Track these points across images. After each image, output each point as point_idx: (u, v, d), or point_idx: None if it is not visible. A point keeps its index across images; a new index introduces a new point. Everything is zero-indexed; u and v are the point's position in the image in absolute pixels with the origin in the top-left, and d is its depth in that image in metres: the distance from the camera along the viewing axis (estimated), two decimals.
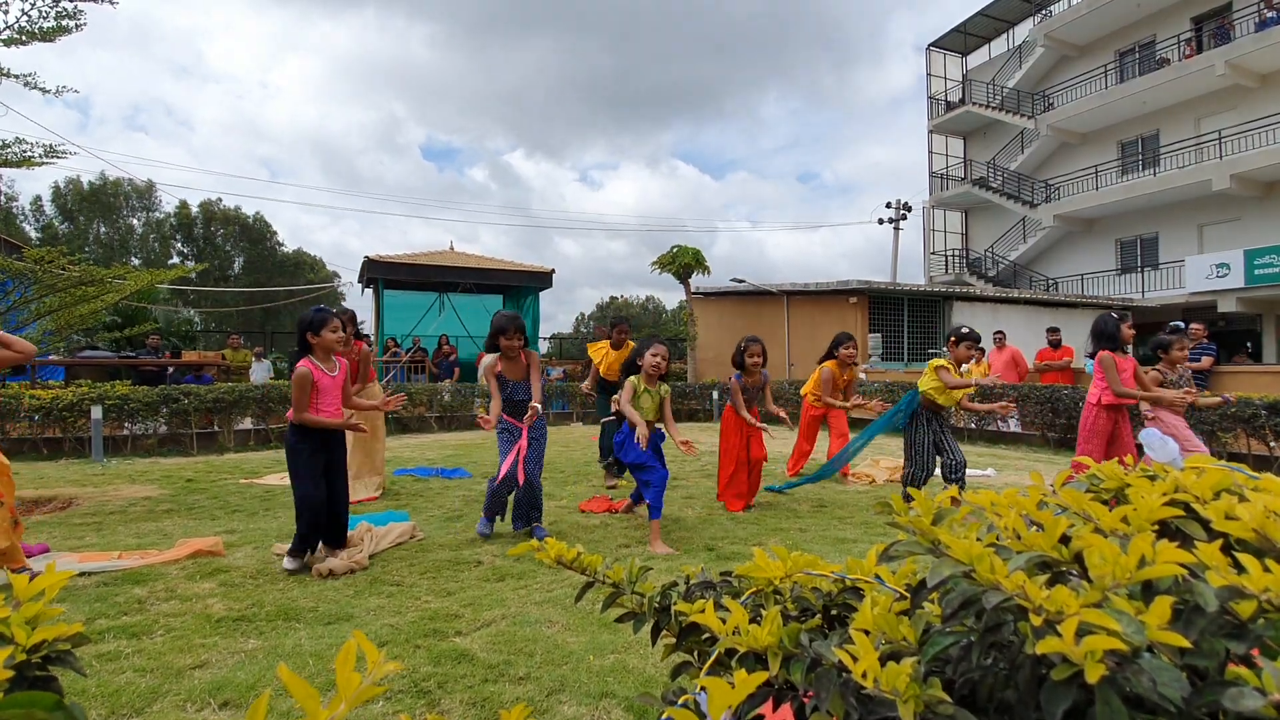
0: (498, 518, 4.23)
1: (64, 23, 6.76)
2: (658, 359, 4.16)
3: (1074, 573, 0.51)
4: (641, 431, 3.92)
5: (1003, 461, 7.41)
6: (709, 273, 15.50)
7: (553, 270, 16.43)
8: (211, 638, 2.58)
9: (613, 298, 54.63)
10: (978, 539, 0.53)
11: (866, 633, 0.55)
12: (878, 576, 0.76)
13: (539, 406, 3.97)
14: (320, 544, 3.61)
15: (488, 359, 4.14)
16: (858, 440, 5.08)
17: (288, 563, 3.45)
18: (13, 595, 0.55)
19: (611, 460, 5.84)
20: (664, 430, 4.32)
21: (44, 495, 5.28)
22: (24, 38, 6.70)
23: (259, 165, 69.14)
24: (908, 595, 0.71)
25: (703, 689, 0.70)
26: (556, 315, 63.06)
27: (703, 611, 0.60)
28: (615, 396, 4.76)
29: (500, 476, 4.00)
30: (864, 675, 0.45)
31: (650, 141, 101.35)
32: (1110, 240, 20.33)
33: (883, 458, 7.20)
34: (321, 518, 3.53)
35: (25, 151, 6.38)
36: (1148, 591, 0.48)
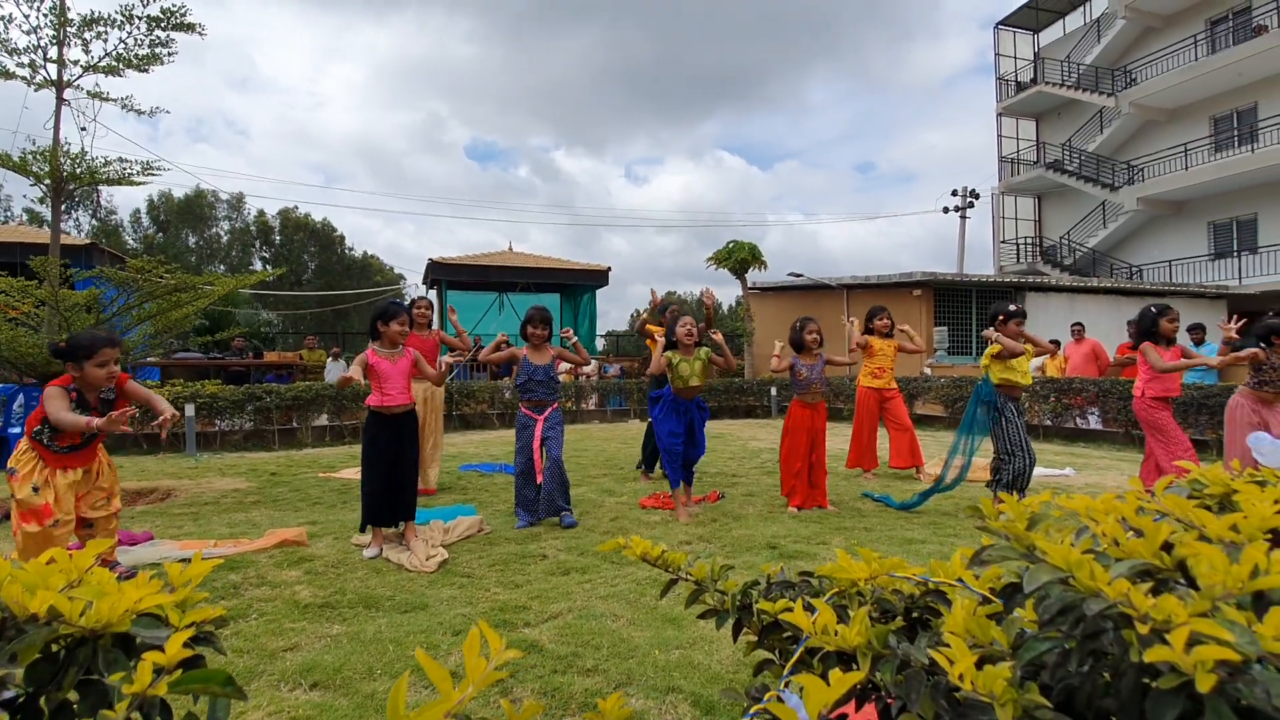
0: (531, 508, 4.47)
1: (157, 50, 7.25)
2: (688, 328, 4.60)
3: (1179, 581, 0.50)
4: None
5: (1082, 460, 7.04)
6: (765, 268, 15.31)
7: (609, 268, 16.56)
8: (300, 622, 2.74)
9: (669, 292, 54.44)
10: (1072, 545, 0.53)
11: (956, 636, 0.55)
12: (961, 580, 0.76)
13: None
14: (395, 526, 3.86)
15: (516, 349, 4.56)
16: (955, 445, 4.75)
17: (366, 552, 3.68)
18: (167, 580, 0.62)
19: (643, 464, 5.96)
20: (702, 402, 4.74)
21: (146, 487, 5.71)
22: (121, 65, 7.24)
23: (314, 171, 72.15)
24: (993, 599, 0.70)
25: (785, 686, 0.71)
26: (609, 312, 63.21)
27: (790, 610, 0.61)
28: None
29: (523, 467, 4.37)
30: (960, 678, 0.46)
31: (693, 133, 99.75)
32: (1201, 223, 18.95)
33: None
34: (381, 500, 3.79)
35: (125, 169, 6.89)
36: (1259, 602, 0.46)
